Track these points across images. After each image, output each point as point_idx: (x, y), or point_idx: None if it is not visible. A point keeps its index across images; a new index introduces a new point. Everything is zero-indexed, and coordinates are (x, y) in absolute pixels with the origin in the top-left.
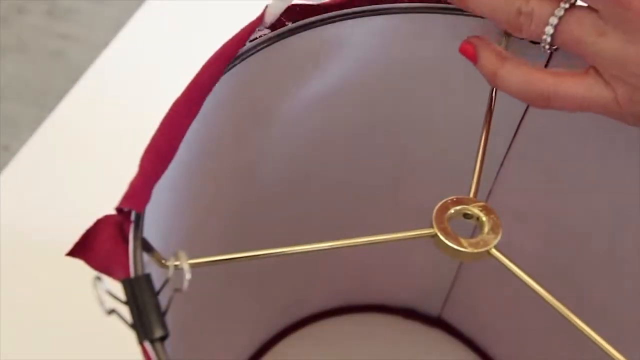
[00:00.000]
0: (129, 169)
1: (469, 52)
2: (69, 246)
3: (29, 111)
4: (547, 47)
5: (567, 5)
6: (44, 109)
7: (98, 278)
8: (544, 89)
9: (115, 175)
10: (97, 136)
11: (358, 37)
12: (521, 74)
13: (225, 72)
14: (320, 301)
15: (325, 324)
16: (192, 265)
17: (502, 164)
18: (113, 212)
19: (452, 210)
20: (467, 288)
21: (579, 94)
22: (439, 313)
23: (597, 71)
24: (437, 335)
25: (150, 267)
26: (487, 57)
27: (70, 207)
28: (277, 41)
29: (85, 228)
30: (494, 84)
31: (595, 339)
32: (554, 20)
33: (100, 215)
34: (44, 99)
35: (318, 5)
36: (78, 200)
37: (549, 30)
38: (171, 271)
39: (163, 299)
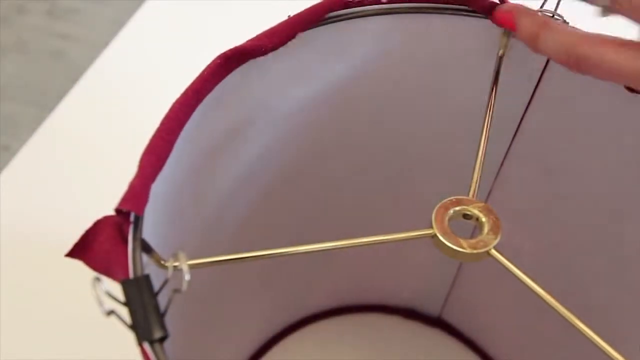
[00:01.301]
0: (129, 169)
1: (507, 20)
2: (69, 246)
3: (29, 111)
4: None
5: None
6: (44, 109)
7: (97, 279)
8: (582, 54)
9: (114, 176)
10: (97, 136)
11: (358, 37)
12: (562, 37)
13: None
14: (320, 301)
15: (325, 324)
16: (191, 266)
17: (502, 164)
18: (112, 212)
19: (451, 211)
20: (467, 288)
21: (618, 63)
22: (439, 313)
23: None
24: (437, 335)
25: (150, 267)
26: (527, 22)
27: (70, 207)
28: None
29: (84, 228)
30: (534, 48)
31: (595, 340)
32: None
33: (99, 215)
34: (44, 99)
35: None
36: (78, 201)
37: None
38: (170, 272)
39: (162, 300)
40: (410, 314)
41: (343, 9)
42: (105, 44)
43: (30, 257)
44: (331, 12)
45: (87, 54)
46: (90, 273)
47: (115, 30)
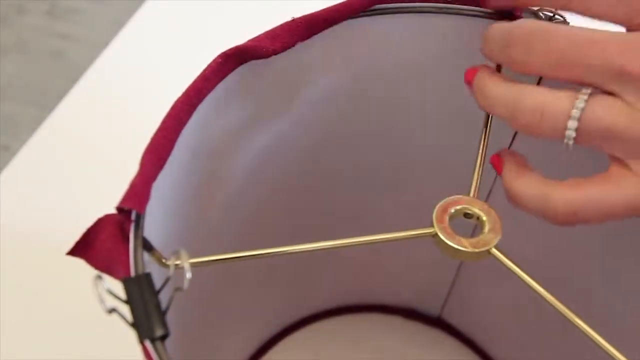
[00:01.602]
0: (129, 169)
1: (495, 162)
2: (69, 246)
3: (29, 111)
4: (572, 143)
5: (587, 94)
6: (44, 109)
7: (99, 277)
8: (568, 205)
9: (115, 175)
10: (97, 136)
11: (359, 37)
12: (537, 188)
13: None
14: (320, 301)
15: (325, 324)
16: (193, 265)
17: None
18: (113, 211)
19: (452, 210)
20: (467, 288)
21: (610, 202)
22: (439, 313)
23: (624, 166)
24: (437, 335)
25: (151, 266)
26: (508, 169)
27: (70, 207)
28: None
29: (85, 228)
30: (509, 200)
31: (596, 339)
32: (576, 113)
33: (99, 215)
34: (44, 99)
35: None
36: (78, 200)
37: (573, 124)
38: (172, 270)
39: (164, 298)
40: (410, 314)
41: (345, 19)
42: (105, 44)
43: (30, 257)
44: (333, 24)
45: (87, 54)
46: (90, 273)
47: (115, 30)
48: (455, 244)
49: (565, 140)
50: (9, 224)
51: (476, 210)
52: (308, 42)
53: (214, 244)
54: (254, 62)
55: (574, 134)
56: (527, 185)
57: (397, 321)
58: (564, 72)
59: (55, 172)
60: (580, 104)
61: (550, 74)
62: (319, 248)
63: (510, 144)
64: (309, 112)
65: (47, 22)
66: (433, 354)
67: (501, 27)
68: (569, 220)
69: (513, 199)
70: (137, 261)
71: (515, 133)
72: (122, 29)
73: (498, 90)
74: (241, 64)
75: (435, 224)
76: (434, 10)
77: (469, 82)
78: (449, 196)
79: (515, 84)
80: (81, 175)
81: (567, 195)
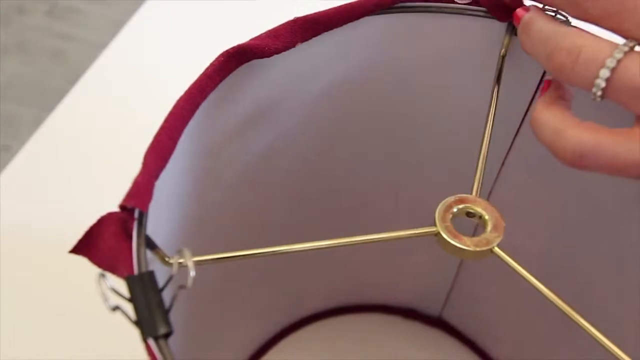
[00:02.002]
0: (129, 169)
1: (545, 86)
2: (69, 246)
3: (29, 111)
4: (600, 94)
5: (628, 47)
6: (44, 109)
7: (102, 275)
8: (578, 145)
9: (115, 175)
10: (97, 136)
11: (359, 36)
12: (556, 121)
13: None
14: (320, 301)
15: (325, 324)
16: (196, 263)
17: (503, 163)
18: (116, 209)
19: (455, 209)
20: (467, 288)
21: (621, 155)
22: (439, 313)
23: None
24: (437, 335)
25: (154, 264)
26: (545, 95)
27: (70, 207)
28: None
29: (84, 228)
30: (530, 124)
31: (598, 337)
32: (611, 62)
33: (99, 215)
34: (44, 99)
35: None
36: (78, 200)
37: (605, 73)
38: (175, 268)
39: (167, 297)
40: (410, 314)
41: (348, 22)
42: (105, 44)
43: (30, 258)
44: (335, 25)
45: (87, 54)
46: (90, 273)
47: (115, 30)
48: (457, 243)
49: (594, 90)
50: (9, 224)
51: (479, 209)
52: (310, 41)
53: (216, 243)
54: (256, 61)
55: (603, 84)
56: (549, 115)
57: (397, 321)
58: (616, 23)
59: (55, 172)
60: (618, 54)
61: (606, 24)
62: (319, 247)
63: (512, 144)
64: (310, 112)
65: (47, 22)
66: (433, 354)
67: None
68: (576, 162)
69: (532, 124)
70: (140, 259)
71: (517, 132)
72: (122, 29)
73: (545, 27)
74: (243, 62)
75: (437, 223)
76: (434, 9)
77: (517, 18)
78: (450, 195)
79: (563, 25)
80: (81, 175)
81: (579, 135)
